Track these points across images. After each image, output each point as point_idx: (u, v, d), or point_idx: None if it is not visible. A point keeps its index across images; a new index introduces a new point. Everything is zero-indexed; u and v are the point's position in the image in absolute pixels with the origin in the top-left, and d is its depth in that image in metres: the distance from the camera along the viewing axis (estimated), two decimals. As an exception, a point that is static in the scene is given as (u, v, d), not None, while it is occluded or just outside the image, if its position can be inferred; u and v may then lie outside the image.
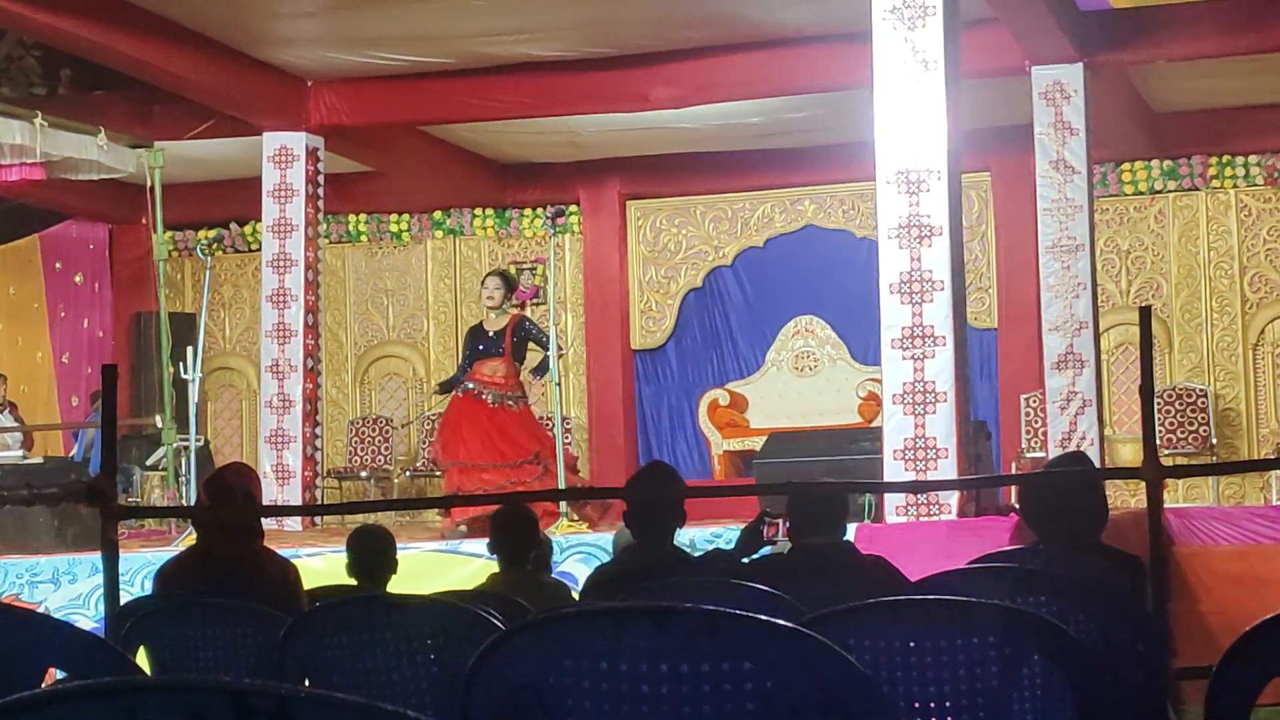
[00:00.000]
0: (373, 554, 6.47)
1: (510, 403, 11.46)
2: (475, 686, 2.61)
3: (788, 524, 5.75)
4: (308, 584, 5.98)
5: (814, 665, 2.46)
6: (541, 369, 11.47)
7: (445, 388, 12.03)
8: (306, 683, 4.03)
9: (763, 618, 2.46)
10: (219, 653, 4.61)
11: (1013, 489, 10.20)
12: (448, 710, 3.56)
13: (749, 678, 2.47)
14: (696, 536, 9.33)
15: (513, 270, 15.90)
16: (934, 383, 9.54)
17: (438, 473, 16.05)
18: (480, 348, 11.51)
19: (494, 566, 6.57)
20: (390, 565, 6.50)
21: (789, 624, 2.49)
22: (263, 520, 6.37)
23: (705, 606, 2.46)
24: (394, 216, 16.79)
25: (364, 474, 16.18)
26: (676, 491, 5.98)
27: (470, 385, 11.46)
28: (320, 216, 13.88)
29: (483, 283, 12.00)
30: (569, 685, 2.55)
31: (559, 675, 2.55)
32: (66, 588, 10.10)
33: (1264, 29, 11.83)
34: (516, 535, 6.37)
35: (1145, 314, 5.13)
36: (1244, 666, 2.41)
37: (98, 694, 1.59)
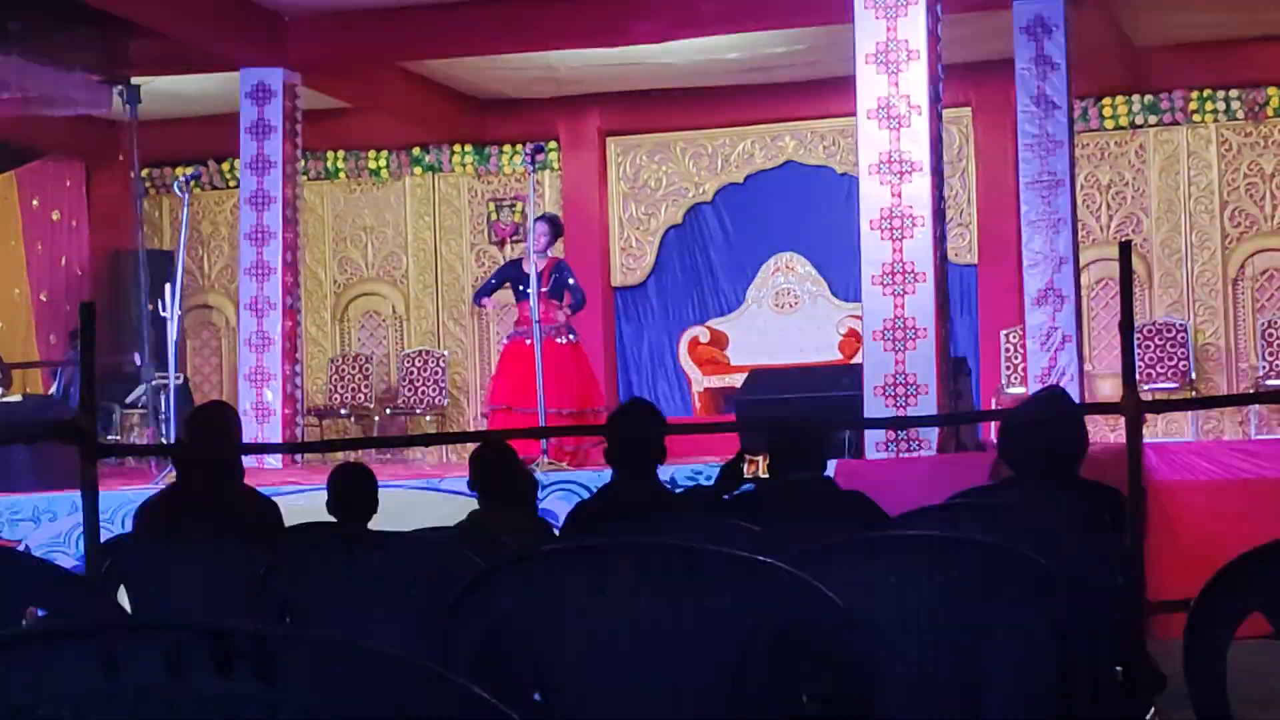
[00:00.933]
0: (353, 492, 6.47)
1: (559, 338, 11.54)
2: (457, 623, 2.61)
3: (768, 461, 5.76)
4: (289, 521, 5.98)
5: (793, 601, 2.46)
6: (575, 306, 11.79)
7: (478, 296, 12.58)
8: (288, 620, 4.03)
9: (743, 554, 2.46)
10: (199, 590, 4.61)
11: (993, 425, 10.24)
12: (429, 647, 3.57)
13: (729, 613, 2.47)
14: (677, 473, 9.35)
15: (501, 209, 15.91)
16: (914, 319, 9.54)
17: (417, 410, 16.10)
18: (521, 287, 11.55)
19: (475, 504, 6.56)
20: (371, 503, 6.50)
21: (769, 560, 2.49)
22: (243, 458, 6.37)
23: (685, 544, 2.46)
24: (372, 153, 16.72)
25: (344, 411, 16.18)
26: (657, 428, 5.98)
27: (518, 330, 11.60)
28: (298, 153, 13.79)
29: (534, 225, 11.81)
30: (551, 622, 2.56)
31: (541, 612, 2.55)
32: (47, 526, 10.08)
33: (1245, -38, 11.80)
34: (497, 472, 6.36)
35: (1125, 250, 5.12)
36: (1222, 600, 2.41)
37: (76, 634, 1.58)
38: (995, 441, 8.83)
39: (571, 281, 11.77)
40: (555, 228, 11.98)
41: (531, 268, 11.32)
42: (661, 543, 2.51)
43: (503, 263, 12.17)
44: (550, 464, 10.52)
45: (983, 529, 3.95)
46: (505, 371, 11.88)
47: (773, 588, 2.47)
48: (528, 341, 11.31)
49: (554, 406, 11.13)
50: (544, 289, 11.41)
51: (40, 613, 3.66)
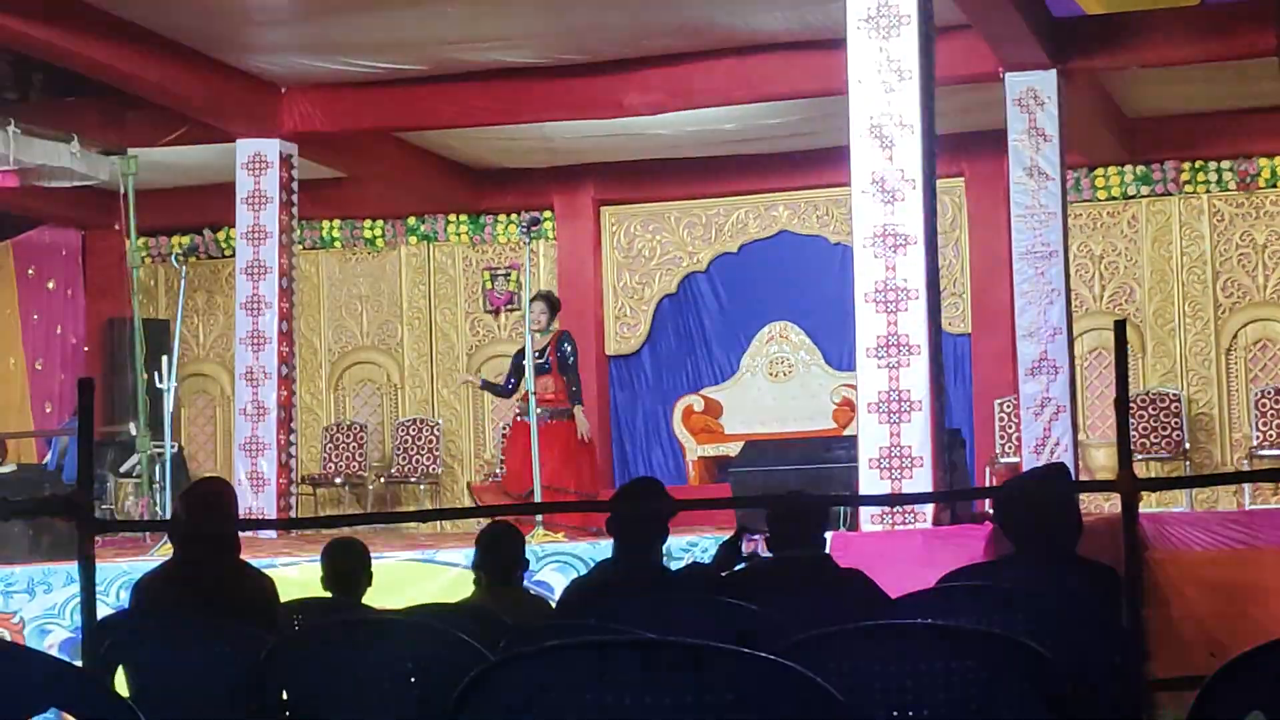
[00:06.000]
0: (348, 568, 6.47)
1: (563, 418, 11.58)
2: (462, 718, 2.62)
3: (766, 538, 5.78)
4: (284, 594, 5.97)
5: (795, 697, 2.48)
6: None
7: (488, 387, 12.99)
8: (290, 704, 4.04)
9: (745, 651, 2.48)
10: (199, 673, 4.60)
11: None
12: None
13: (732, 709, 2.49)
14: (672, 544, 9.33)
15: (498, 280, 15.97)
16: (909, 392, 9.55)
17: (412, 479, 16.06)
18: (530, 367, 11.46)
19: (469, 575, 6.55)
20: (366, 578, 6.50)
21: (770, 657, 2.51)
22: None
23: (689, 641, 2.48)
24: (368, 222, 16.77)
25: (339, 480, 16.16)
26: (662, 506, 5.98)
27: (527, 409, 11.39)
28: (294, 223, 13.85)
29: (529, 305, 11.81)
30: (555, 717, 2.56)
31: (544, 707, 2.56)
32: (42, 598, 10.08)
33: (1236, 35, 11.86)
34: (503, 552, 6.35)
35: (1120, 327, 5.15)
36: (1222, 699, 2.43)
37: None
38: (992, 513, 8.85)
39: (569, 348, 11.79)
40: (551, 304, 12.03)
41: (528, 344, 11.39)
42: (665, 640, 2.52)
43: (514, 353, 12.21)
44: (545, 535, 10.51)
45: (980, 613, 3.97)
46: (524, 453, 11.52)
47: (774, 684, 2.48)
48: (542, 419, 11.38)
49: (552, 484, 11.16)
50: (552, 365, 11.51)
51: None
